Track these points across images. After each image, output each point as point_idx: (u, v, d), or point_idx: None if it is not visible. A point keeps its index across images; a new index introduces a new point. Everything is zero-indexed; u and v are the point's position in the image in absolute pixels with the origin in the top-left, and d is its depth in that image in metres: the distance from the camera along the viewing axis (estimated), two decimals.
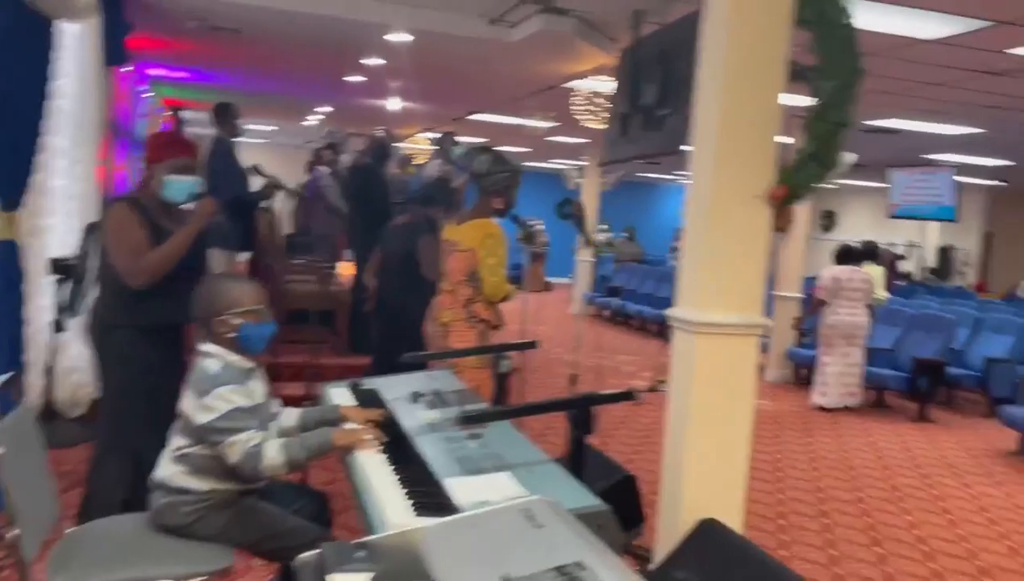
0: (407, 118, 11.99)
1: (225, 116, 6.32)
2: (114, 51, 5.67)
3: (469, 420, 2.04)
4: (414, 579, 1.33)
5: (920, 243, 18.14)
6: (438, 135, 14.55)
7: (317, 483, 4.04)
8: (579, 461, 2.13)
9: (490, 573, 1.28)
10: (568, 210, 15.71)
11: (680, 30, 4.88)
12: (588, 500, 1.78)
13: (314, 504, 2.66)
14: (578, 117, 7.35)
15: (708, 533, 2.74)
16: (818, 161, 2.80)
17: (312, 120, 13.95)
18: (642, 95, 5.47)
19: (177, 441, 2.48)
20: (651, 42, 5.43)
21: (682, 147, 4.13)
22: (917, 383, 8.18)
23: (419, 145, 13.44)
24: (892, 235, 17.99)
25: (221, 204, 5.90)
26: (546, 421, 5.33)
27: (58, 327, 4.79)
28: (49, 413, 5.03)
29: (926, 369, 8.18)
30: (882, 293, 9.84)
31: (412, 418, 2.46)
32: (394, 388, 2.82)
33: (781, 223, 9.59)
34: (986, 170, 13.80)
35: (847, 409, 8.22)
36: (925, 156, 12.77)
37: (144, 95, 10.24)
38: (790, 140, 3.75)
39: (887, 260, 12.04)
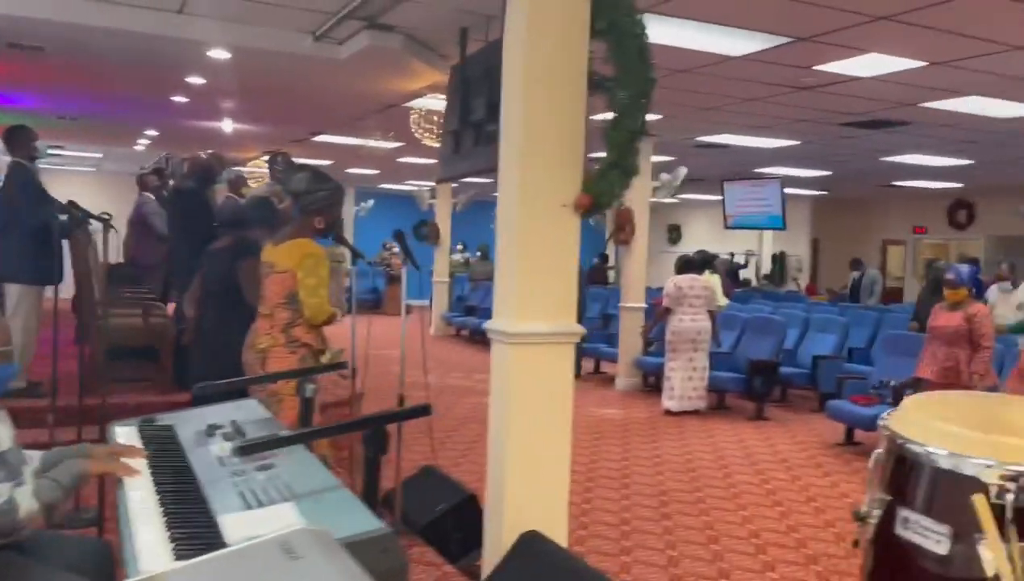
0: (244, 140, 11.58)
1: (18, 140, 5.82)
2: None
3: (245, 451, 1.90)
4: None
5: (756, 252, 19.23)
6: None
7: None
8: (373, 483, 2.03)
9: None
10: (425, 232, 15.68)
11: None
12: (371, 524, 1.67)
13: (97, 554, 2.42)
14: (417, 135, 7.29)
15: (529, 547, 2.70)
16: (619, 169, 2.84)
17: (141, 145, 13.21)
18: (472, 111, 5.46)
19: None
20: (478, 59, 5.44)
21: None
22: (753, 384, 8.60)
23: (260, 168, 12.99)
24: (732, 245, 18.98)
25: (23, 234, 5.51)
26: None
27: None
28: None
29: (760, 370, 8.61)
30: (722, 299, 10.33)
31: (202, 453, 2.28)
32: (191, 422, 2.62)
33: (623, 237, 9.90)
34: (809, 181, 14.82)
35: (696, 413, 8.53)
36: (756, 169, 13.59)
37: None
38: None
39: (722, 268, 12.64)
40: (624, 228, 9.93)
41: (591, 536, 4.85)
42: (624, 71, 2.79)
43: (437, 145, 7.03)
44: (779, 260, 19.10)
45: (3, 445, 2.24)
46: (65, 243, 5.66)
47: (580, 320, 9.87)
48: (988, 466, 1.62)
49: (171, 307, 6.97)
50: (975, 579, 1.66)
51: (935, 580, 1.77)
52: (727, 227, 14.87)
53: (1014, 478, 1.65)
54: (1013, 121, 8.08)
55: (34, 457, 2.39)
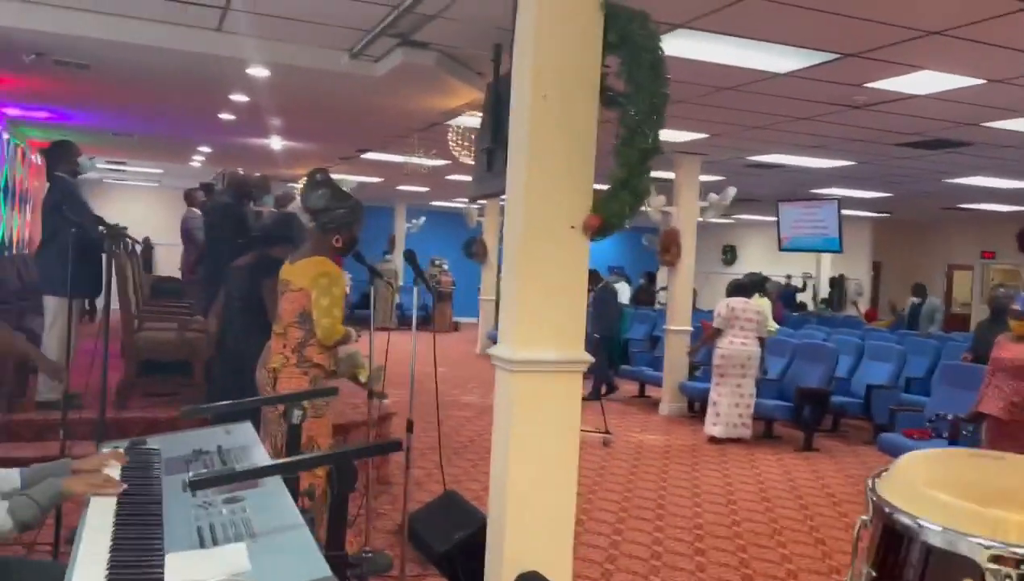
0: (295, 158, 11.70)
1: (61, 155, 5.92)
2: None
3: (196, 485, 1.79)
4: None
5: (814, 275, 18.68)
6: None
7: None
8: (338, 521, 1.90)
9: None
10: (473, 249, 15.61)
11: None
12: (318, 572, 1.55)
13: None
14: (455, 153, 7.23)
15: None
16: (629, 189, 2.68)
17: (197, 161, 13.48)
18: (505, 129, 5.36)
19: None
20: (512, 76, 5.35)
21: None
22: (802, 412, 8.28)
23: None
24: (789, 267, 18.49)
25: (63, 248, 5.57)
26: None
27: None
28: None
29: (810, 398, 8.28)
30: (772, 324, 10.01)
31: (177, 481, 2.19)
32: (179, 446, 2.54)
33: (668, 258, 9.68)
34: (868, 202, 14.32)
35: (740, 441, 8.25)
36: (812, 190, 13.19)
37: (2, 136, 9.66)
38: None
39: (774, 291, 12.28)
40: (670, 249, 9.72)
41: (618, 570, 4.65)
42: (636, 86, 2.64)
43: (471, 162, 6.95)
44: (838, 284, 18.51)
45: None
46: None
47: (617, 341, 9.75)
48: (986, 546, 1.39)
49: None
50: None
51: None
52: (781, 249, 14.46)
53: (1017, 562, 1.40)
54: None
55: (12, 477, 2.33)
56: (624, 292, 13.78)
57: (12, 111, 9.15)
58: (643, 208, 10.31)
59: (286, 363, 3.82)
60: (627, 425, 9.03)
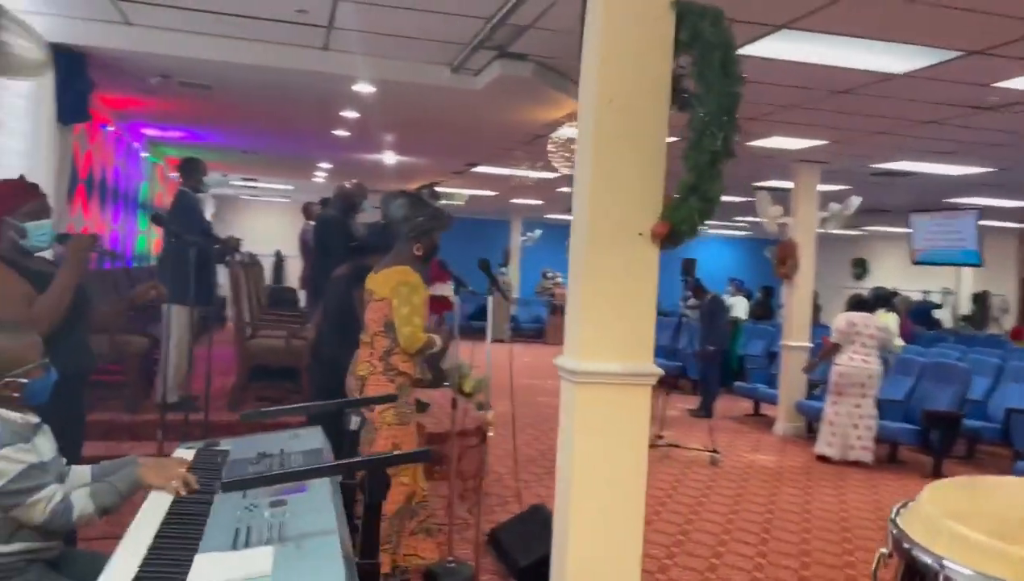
0: (409, 172, 11.99)
1: (190, 171, 6.31)
2: (73, 109, 5.68)
3: (227, 487, 1.82)
4: None
5: (954, 290, 17.49)
6: (444, 189, 14.59)
7: None
8: (370, 529, 1.88)
9: None
10: None
11: None
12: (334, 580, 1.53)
13: None
14: (555, 164, 7.19)
15: None
16: (698, 194, 2.54)
17: (319, 177, 14.05)
18: None
19: None
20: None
21: None
22: (930, 436, 7.71)
23: None
24: (926, 282, 17.40)
25: (183, 257, 5.89)
26: None
27: None
28: None
29: (938, 422, 7.70)
30: (898, 341, 9.41)
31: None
32: (246, 449, 2.60)
33: (784, 271, 9.27)
34: (1013, 212, 13.26)
35: (859, 464, 7.78)
36: (948, 199, 12.35)
37: (141, 155, 10.38)
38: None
39: (902, 307, 11.54)
40: (786, 261, 9.32)
41: None
42: (707, 86, 2.50)
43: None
44: (981, 300, 17.24)
45: (46, 455, 2.32)
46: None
47: (729, 356, 9.42)
48: None
49: None
50: None
51: None
52: (914, 262, 13.60)
53: None
54: None
55: (84, 473, 2.46)
56: (741, 306, 13.33)
57: (151, 131, 9.83)
58: (758, 218, 9.97)
59: (373, 371, 3.88)
60: (738, 444, 8.69)
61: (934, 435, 7.68)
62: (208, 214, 18.83)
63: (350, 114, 7.80)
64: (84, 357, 3.38)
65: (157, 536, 1.85)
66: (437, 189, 6.89)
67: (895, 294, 13.30)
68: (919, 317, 14.95)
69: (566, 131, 7.07)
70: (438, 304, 5.70)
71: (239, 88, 6.98)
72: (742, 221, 18.26)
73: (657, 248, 2.67)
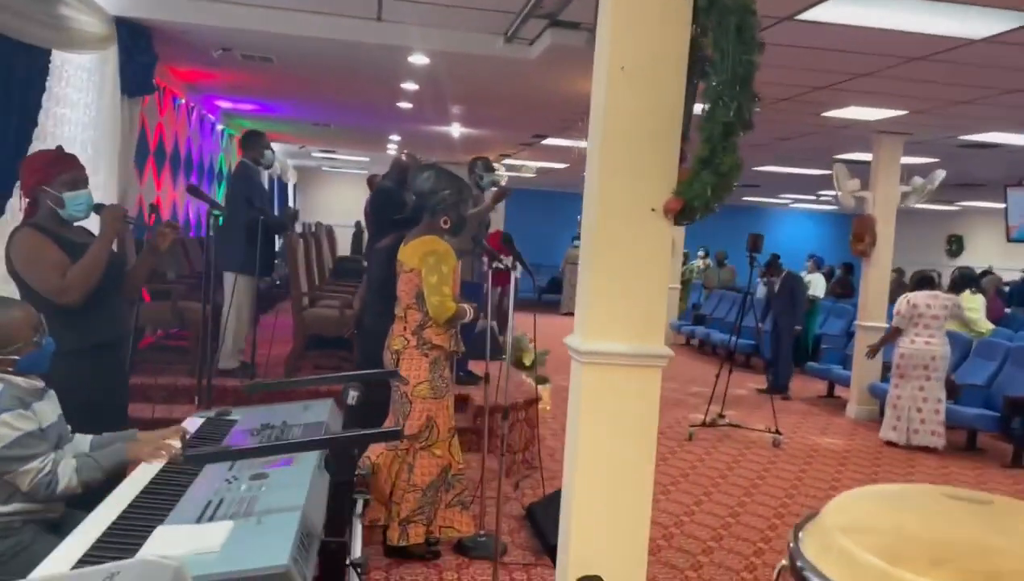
0: (476, 144, 11.93)
1: (251, 143, 6.40)
2: (137, 81, 5.84)
3: (191, 460, 1.83)
4: None
5: None
6: (514, 161, 14.49)
7: None
8: (339, 506, 1.85)
9: None
10: None
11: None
12: (274, 560, 1.51)
13: None
14: None
15: None
16: (711, 168, 2.39)
17: (391, 149, 14.16)
18: None
19: None
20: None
21: None
22: (1011, 424, 7.29)
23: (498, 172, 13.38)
24: None
25: (240, 228, 6.03)
26: None
27: None
28: None
29: (1021, 409, 7.27)
30: (984, 324, 8.89)
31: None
32: (251, 419, 2.63)
33: (860, 248, 8.86)
34: None
35: (932, 450, 7.43)
36: None
37: (217, 127, 10.65)
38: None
39: (991, 287, 10.89)
40: (863, 238, 8.89)
41: None
42: (722, 53, 2.35)
43: None
44: None
45: (47, 420, 2.38)
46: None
47: (805, 335, 9.07)
48: None
49: None
50: None
51: None
52: (1009, 240, 12.79)
53: None
54: None
55: (84, 442, 2.52)
56: (819, 283, 12.83)
57: (224, 104, 10.07)
58: (834, 192, 9.53)
59: (407, 345, 3.88)
60: (806, 426, 8.42)
61: (1016, 423, 7.28)
62: (290, 185, 19.25)
63: (409, 86, 7.79)
64: (120, 325, 3.48)
65: (131, 505, 1.87)
66: (506, 161, 6.82)
67: (986, 273, 12.59)
68: (1015, 298, 14.12)
69: None
70: (501, 276, 5.65)
71: (299, 61, 7.04)
72: (826, 195, 17.56)
73: (669, 224, 2.55)
